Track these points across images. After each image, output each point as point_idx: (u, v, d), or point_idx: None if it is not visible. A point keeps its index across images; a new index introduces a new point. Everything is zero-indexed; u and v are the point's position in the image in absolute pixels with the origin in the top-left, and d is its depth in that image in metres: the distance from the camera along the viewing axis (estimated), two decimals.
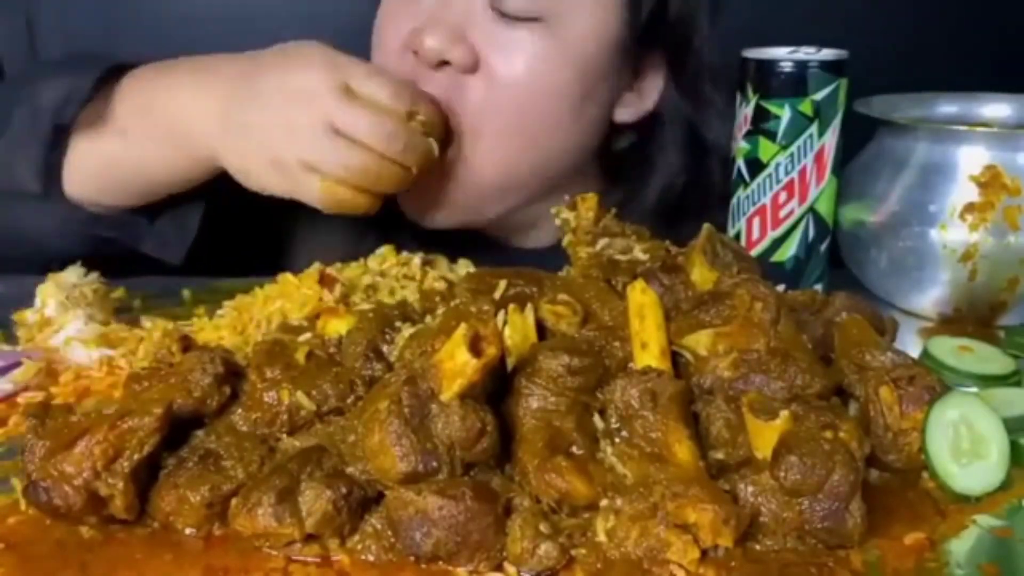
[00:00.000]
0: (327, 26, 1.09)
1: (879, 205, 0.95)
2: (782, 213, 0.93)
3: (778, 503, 0.59)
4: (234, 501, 0.59)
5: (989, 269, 0.91)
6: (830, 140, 0.91)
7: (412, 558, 0.57)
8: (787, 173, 0.91)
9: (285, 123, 0.90)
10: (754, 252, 0.93)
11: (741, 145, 0.93)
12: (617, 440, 0.62)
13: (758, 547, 0.59)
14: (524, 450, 0.61)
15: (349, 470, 0.60)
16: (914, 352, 0.77)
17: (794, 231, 0.93)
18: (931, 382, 0.67)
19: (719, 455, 0.63)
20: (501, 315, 0.68)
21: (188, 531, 0.60)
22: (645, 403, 0.62)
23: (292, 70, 0.91)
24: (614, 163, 1.15)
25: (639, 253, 0.79)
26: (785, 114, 0.90)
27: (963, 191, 0.91)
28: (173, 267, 1.05)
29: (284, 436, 0.65)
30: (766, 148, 0.91)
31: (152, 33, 1.65)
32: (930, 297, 0.95)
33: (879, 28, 1.59)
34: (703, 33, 1.07)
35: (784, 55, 0.90)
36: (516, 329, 0.68)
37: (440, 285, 0.85)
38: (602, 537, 0.58)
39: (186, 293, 0.98)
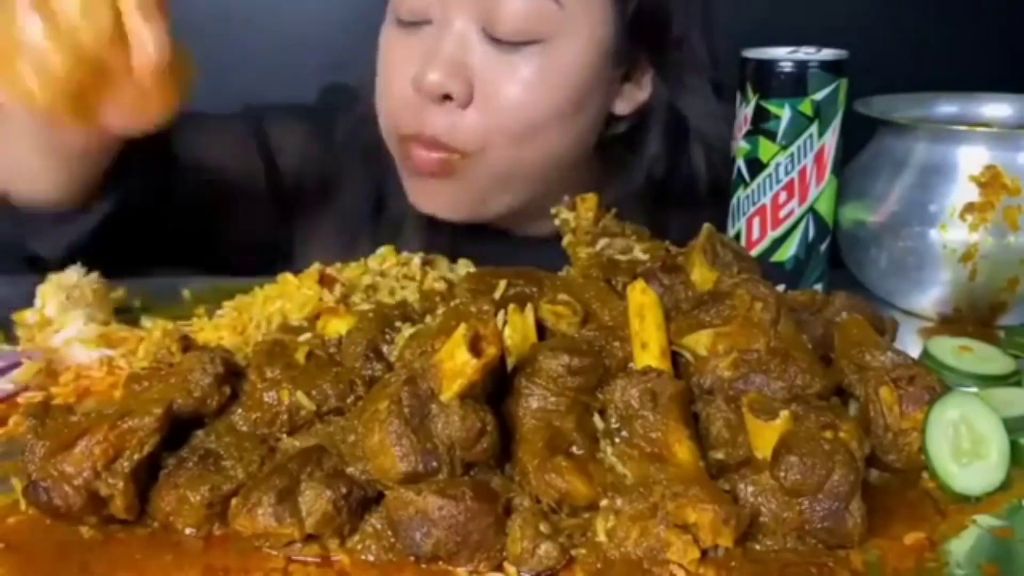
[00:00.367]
0: (327, 26, 1.09)
1: (879, 205, 0.95)
2: (782, 213, 0.93)
3: (778, 503, 0.59)
4: (234, 501, 0.59)
5: (989, 269, 0.91)
6: (830, 140, 0.91)
7: (412, 558, 0.57)
8: (787, 173, 0.91)
9: None
10: (754, 252, 0.93)
11: (741, 145, 0.93)
12: (617, 440, 0.62)
13: (758, 547, 0.59)
14: (524, 450, 0.61)
15: (349, 470, 0.60)
16: (914, 352, 0.77)
17: (794, 231, 0.93)
18: (931, 382, 0.67)
19: (719, 455, 0.63)
20: (501, 315, 0.68)
21: (188, 531, 0.60)
22: (645, 403, 0.62)
23: None
24: (607, 149, 1.15)
25: (639, 253, 0.79)
26: (785, 114, 0.90)
27: (963, 191, 0.91)
28: (173, 267, 1.05)
29: (284, 436, 0.64)
30: (766, 148, 0.91)
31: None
32: (930, 297, 0.95)
33: (879, 28, 1.59)
34: (682, 20, 1.07)
35: (784, 55, 0.90)
36: (516, 329, 0.68)
37: (440, 285, 0.85)
38: (602, 537, 0.58)
39: (186, 293, 0.98)
